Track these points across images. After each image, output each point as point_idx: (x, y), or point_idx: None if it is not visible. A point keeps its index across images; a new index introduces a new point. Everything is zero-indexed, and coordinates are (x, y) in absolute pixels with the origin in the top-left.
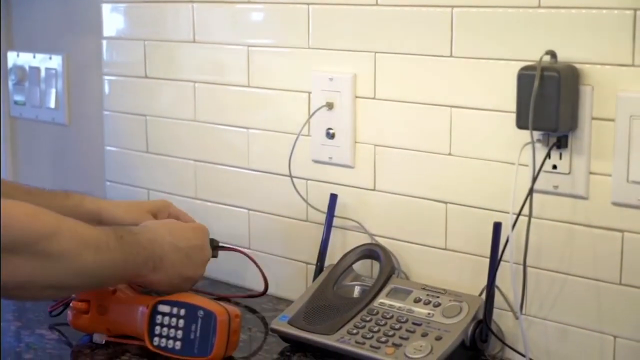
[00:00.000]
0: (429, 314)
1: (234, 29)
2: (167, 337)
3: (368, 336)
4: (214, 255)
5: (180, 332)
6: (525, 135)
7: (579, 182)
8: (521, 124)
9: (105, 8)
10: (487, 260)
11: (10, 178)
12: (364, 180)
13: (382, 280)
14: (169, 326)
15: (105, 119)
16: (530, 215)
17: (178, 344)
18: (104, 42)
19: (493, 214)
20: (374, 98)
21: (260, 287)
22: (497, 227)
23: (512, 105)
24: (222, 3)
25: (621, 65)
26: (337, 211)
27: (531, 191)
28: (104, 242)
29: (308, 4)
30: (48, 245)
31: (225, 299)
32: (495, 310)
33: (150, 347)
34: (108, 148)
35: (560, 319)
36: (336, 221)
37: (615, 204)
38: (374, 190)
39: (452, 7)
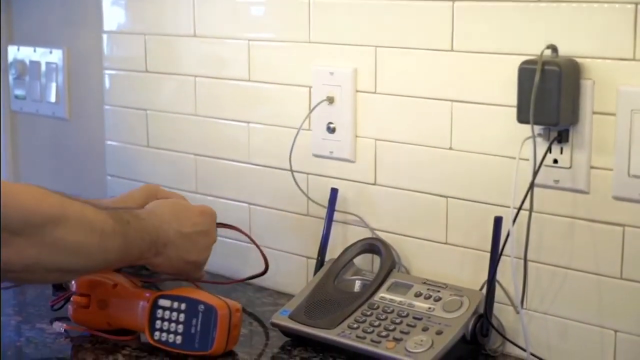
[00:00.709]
0: (429, 308)
1: (235, 23)
2: (168, 332)
3: (369, 330)
4: None
5: (180, 327)
6: (526, 129)
7: (579, 177)
8: (522, 118)
9: (106, 2)
10: (488, 255)
11: (11, 172)
12: (365, 174)
13: (382, 274)
14: (170, 320)
15: (106, 113)
16: (531, 210)
17: (179, 338)
18: (105, 36)
19: (494, 209)
20: (374, 92)
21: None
22: (497, 221)
23: (513, 99)
24: None
25: (622, 60)
26: (338, 205)
27: (532, 185)
28: (110, 226)
29: None
30: (55, 228)
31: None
32: (495, 305)
33: (151, 342)
34: (109, 142)
35: (561, 313)
36: (337, 215)
37: (616, 198)
38: (374, 184)
39: (453, 1)
